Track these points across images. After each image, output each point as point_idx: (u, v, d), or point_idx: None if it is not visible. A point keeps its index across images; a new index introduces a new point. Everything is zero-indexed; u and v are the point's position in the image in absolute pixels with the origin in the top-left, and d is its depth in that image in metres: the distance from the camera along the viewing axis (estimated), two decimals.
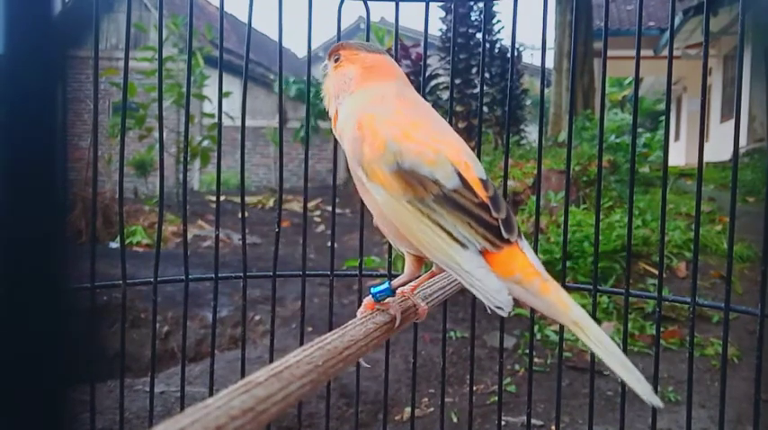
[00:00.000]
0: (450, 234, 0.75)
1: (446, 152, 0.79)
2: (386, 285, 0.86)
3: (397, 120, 0.83)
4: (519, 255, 0.76)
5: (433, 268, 0.88)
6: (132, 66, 6.33)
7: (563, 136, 7.41)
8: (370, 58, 0.91)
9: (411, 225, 0.76)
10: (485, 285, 0.73)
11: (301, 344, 0.81)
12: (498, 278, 0.73)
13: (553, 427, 2.45)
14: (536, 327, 3.45)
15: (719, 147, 7.99)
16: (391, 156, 0.78)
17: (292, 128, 11.14)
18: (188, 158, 1.44)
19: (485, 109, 8.14)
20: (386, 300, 0.86)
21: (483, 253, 0.75)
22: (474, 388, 1.54)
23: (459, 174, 0.77)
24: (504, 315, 0.73)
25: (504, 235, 0.76)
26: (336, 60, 0.94)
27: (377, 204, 0.81)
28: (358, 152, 0.81)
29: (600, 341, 0.69)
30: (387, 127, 0.81)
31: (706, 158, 1.54)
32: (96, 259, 1.30)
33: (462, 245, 0.74)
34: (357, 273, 1.48)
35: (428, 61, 1.77)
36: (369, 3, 1.45)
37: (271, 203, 8.51)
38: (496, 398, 1.47)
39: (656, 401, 0.65)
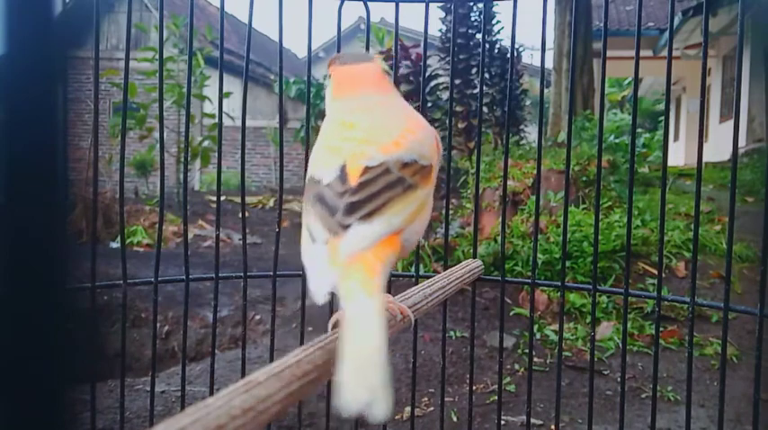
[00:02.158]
0: (309, 231, 0.72)
1: (350, 147, 0.76)
2: None
3: (331, 133, 0.82)
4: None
5: None
6: (133, 66, 6.33)
7: (562, 136, 7.41)
8: (337, 72, 0.90)
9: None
10: (311, 272, 0.68)
11: (301, 343, 0.82)
12: (331, 267, 0.67)
13: (553, 427, 2.46)
14: (536, 327, 3.45)
15: (719, 148, 8.00)
16: (310, 170, 0.79)
17: (292, 128, 11.15)
18: (188, 158, 1.44)
19: (485, 109, 8.14)
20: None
21: (326, 244, 0.70)
22: (474, 387, 1.54)
23: (343, 167, 0.74)
24: (318, 302, 0.66)
25: (342, 219, 0.69)
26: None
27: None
28: None
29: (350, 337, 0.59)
30: (317, 146, 0.81)
31: (705, 158, 1.54)
32: (97, 259, 1.30)
33: (313, 239, 0.71)
34: None
35: (428, 61, 1.77)
36: (369, 3, 1.45)
37: (271, 203, 8.50)
38: (496, 398, 1.48)
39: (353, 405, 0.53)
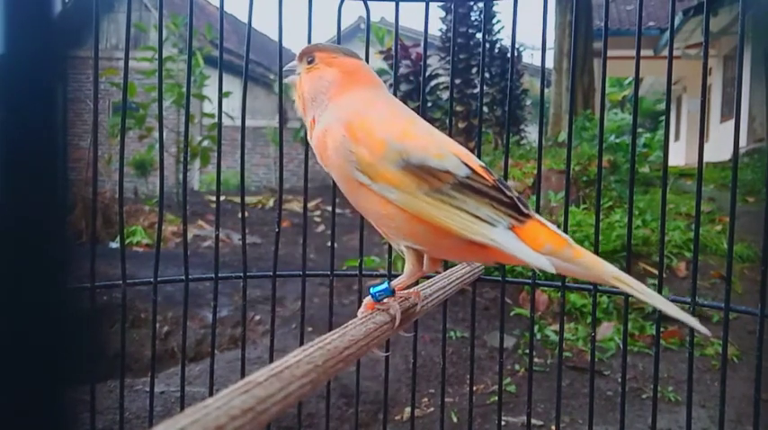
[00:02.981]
0: (476, 216, 0.77)
1: (445, 144, 0.83)
2: (385, 285, 0.86)
3: (391, 120, 0.83)
4: (542, 228, 0.80)
5: (424, 268, 0.88)
6: (132, 66, 6.33)
7: (563, 136, 7.41)
8: (348, 62, 0.89)
9: (436, 215, 0.78)
10: (526, 256, 0.76)
11: (301, 344, 0.82)
12: (532, 251, 0.77)
13: (553, 427, 2.45)
14: (536, 327, 3.45)
15: (719, 148, 7.99)
16: (395, 155, 0.79)
17: (292, 128, 11.14)
18: (188, 158, 1.44)
19: (485, 109, 8.14)
20: (385, 300, 0.86)
21: (513, 229, 0.78)
22: (474, 388, 1.54)
23: (466, 164, 0.80)
24: (552, 271, 0.77)
25: (524, 210, 0.80)
26: (310, 62, 0.91)
27: (380, 205, 0.81)
28: (351, 157, 0.81)
29: (641, 289, 0.75)
30: (382, 127, 0.81)
31: (706, 158, 1.54)
32: (96, 259, 1.30)
33: (491, 224, 0.77)
34: (357, 273, 1.48)
35: (428, 61, 1.77)
36: (369, 3, 1.45)
37: (271, 203, 8.50)
38: (496, 398, 1.47)
39: (702, 329, 0.75)
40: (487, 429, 2.58)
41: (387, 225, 0.83)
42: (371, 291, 0.86)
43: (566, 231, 1.40)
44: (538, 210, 1.49)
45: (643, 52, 1.40)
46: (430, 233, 0.80)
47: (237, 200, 1.68)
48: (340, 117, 0.84)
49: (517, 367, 3.14)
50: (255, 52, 10.88)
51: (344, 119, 0.83)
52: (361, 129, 0.81)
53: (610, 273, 0.77)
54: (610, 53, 1.42)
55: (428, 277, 1.24)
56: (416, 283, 0.98)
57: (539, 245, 0.78)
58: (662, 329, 3.18)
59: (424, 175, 0.78)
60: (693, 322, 0.74)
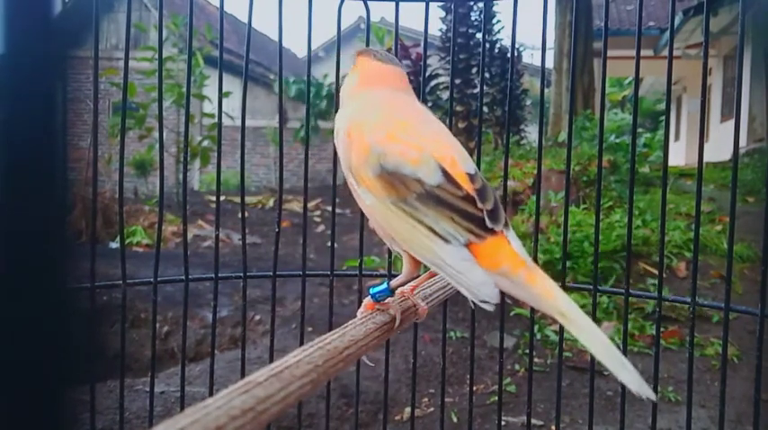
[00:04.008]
0: (432, 230, 0.74)
1: (432, 149, 0.79)
2: (385, 285, 0.86)
3: (385, 123, 0.83)
4: (505, 246, 0.75)
5: (421, 268, 0.88)
6: (132, 66, 6.33)
7: (563, 136, 7.41)
8: (373, 65, 0.91)
9: (396, 226, 0.77)
10: (469, 278, 0.72)
11: (301, 344, 0.82)
12: (484, 271, 0.72)
13: (553, 427, 2.45)
14: (536, 327, 3.45)
15: (719, 147, 7.99)
16: (375, 159, 0.78)
17: (292, 128, 11.15)
18: (188, 158, 1.44)
19: (485, 109, 8.14)
20: (385, 301, 0.86)
21: (469, 246, 0.74)
22: (474, 388, 1.54)
23: (444, 170, 0.77)
24: (490, 309, 0.72)
25: (489, 225, 0.74)
26: (354, 65, 0.95)
27: (364, 208, 0.82)
28: (347, 158, 0.82)
29: (588, 332, 0.67)
30: (372, 131, 0.81)
31: (706, 158, 1.54)
32: (96, 259, 1.30)
33: (445, 239, 0.74)
34: (357, 273, 1.48)
35: (428, 61, 1.77)
36: (369, 3, 1.45)
37: (271, 203, 8.51)
38: (496, 398, 1.47)
39: (647, 393, 0.62)
40: (487, 429, 2.58)
41: (374, 227, 0.84)
42: (371, 291, 0.86)
43: (565, 231, 1.41)
44: (538, 211, 1.50)
45: (643, 52, 1.40)
46: (400, 242, 0.79)
47: (237, 200, 1.68)
48: (346, 118, 0.86)
49: (517, 367, 3.14)
50: (255, 52, 10.88)
51: (348, 120, 0.85)
52: (357, 130, 0.82)
53: (557, 308, 0.69)
54: (610, 53, 1.42)
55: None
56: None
57: (495, 264, 0.72)
58: (662, 329, 3.18)
59: (396, 183, 0.77)
60: (631, 378, 0.64)
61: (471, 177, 0.78)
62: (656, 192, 6.01)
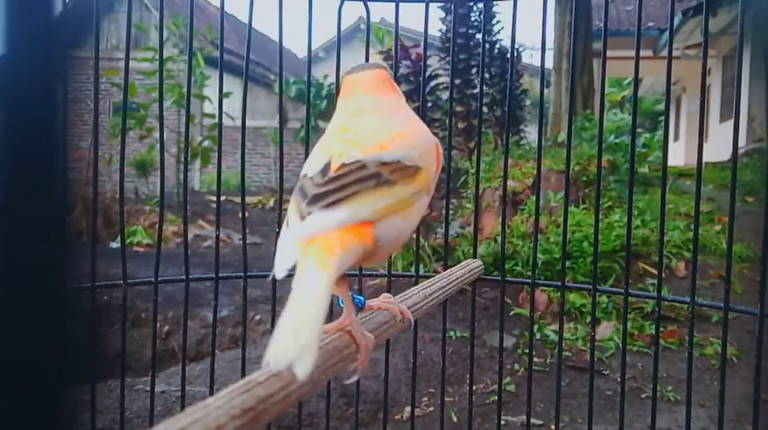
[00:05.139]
0: (287, 217, 0.75)
1: (338, 147, 0.77)
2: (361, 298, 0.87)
3: (326, 136, 0.83)
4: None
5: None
6: (133, 66, 6.33)
7: (562, 136, 7.41)
8: (345, 82, 0.90)
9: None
10: (278, 250, 0.71)
11: None
12: (294, 247, 0.70)
13: (553, 427, 2.46)
14: (536, 327, 3.45)
15: (719, 148, 7.99)
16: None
17: (292, 128, 11.15)
18: (188, 158, 1.44)
19: (484, 109, 8.13)
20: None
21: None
22: (474, 387, 1.54)
23: (328, 164, 0.75)
24: (277, 276, 0.70)
25: (306, 208, 0.71)
26: None
27: None
28: None
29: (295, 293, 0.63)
30: (325, 136, 0.83)
31: (705, 158, 1.54)
32: (97, 259, 1.30)
33: (287, 224, 0.74)
34: (357, 272, 1.48)
35: (428, 61, 1.77)
36: (369, 3, 1.45)
37: (271, 203, 8.51)
38: (496, 398, 1.48)
39: (278, 366, 0.55)
40: (487, 429, 2.58)
41: None
42: (354, 300, 0.84)
43: (565, 231, 1.41)
44: (537, 211, 1.49)
45: (642, 52, 1.40)
46: None
47: (238, 200, 1.68)
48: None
49: (517, 367, 3.14)
50: (256, 52, 10.88)
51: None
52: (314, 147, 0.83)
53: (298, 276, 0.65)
54: (609, 53, 1.43)
55: (427, 277, 1.24)
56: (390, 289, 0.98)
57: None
58: (661, 329, 3.19)
59: (300, 180, 0.78)
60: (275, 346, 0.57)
61: (346, 165, 0.75)
62: (655, 192, 6.01)
